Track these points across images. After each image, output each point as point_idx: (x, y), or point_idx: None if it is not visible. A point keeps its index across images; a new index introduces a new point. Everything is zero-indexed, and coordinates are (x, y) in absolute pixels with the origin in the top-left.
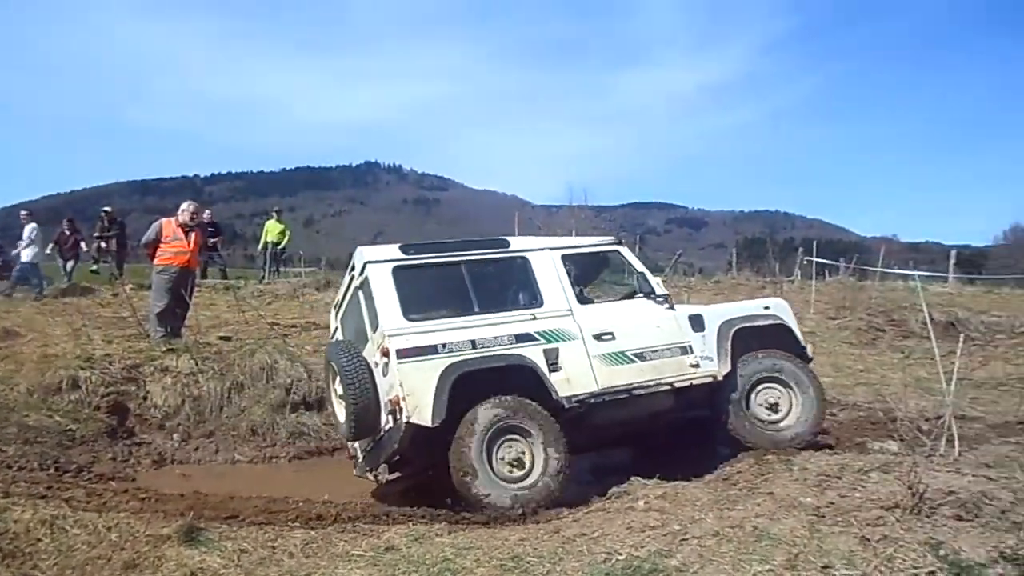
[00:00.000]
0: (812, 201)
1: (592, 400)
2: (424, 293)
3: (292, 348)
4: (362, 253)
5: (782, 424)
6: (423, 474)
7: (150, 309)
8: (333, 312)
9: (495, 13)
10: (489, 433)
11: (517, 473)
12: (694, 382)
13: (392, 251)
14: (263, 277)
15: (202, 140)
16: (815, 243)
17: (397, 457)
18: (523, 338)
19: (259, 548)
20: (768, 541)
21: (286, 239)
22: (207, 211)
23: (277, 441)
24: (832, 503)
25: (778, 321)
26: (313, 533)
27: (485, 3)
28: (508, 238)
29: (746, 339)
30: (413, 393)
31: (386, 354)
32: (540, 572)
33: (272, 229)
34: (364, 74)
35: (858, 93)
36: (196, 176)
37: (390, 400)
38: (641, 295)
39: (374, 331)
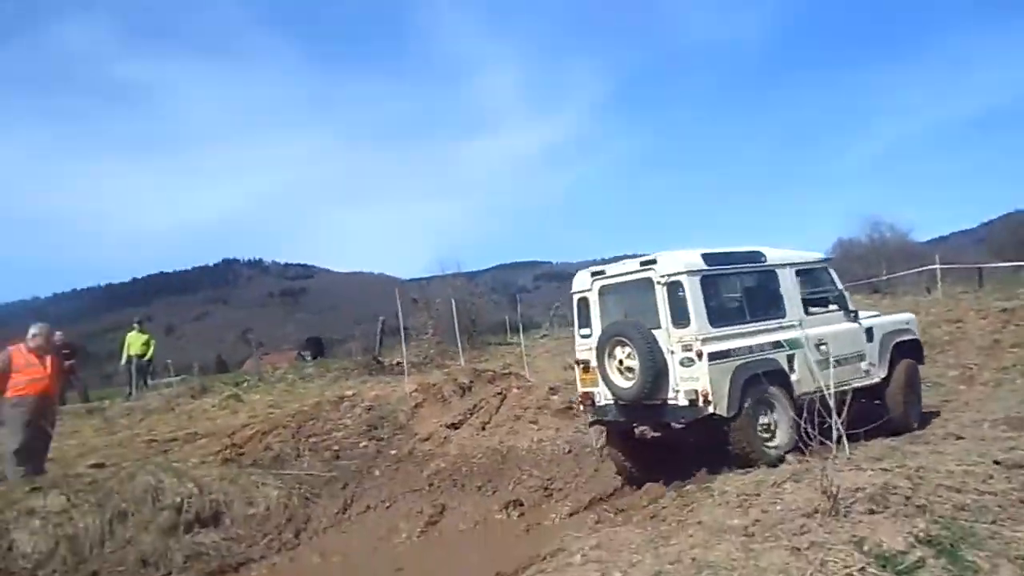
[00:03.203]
0: (658, 243)
1: (809, 397)
2: (717, 301)
3: (176, 463)
4: (676, 259)
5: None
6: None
7: (5, 449)
8: (594, 290)
9: (334, 99)
10: (751, 404)
11: (766, 435)
12: (865, 384)
13: (698, 260)
14: (130, 393)
15: (35, 261)
16: None
17: (679, 426)
18: (776, 345)
19: None
20: (708, 570)
21: (151, 350)
22: (57, 332)
23: (172, 568)
24: (758, 520)
25: (914, 335)
26: None
27: (323, 90)
28: (763, 250)
29: (897, 348)
30: (717, 390)
31: (695, 352)
32: None
33: (135, 341)
34: (207, 172)
35: (678, 142)
36: (36, 298)
37: (695, 390)
38: (838, 308)
39: (677, 327)
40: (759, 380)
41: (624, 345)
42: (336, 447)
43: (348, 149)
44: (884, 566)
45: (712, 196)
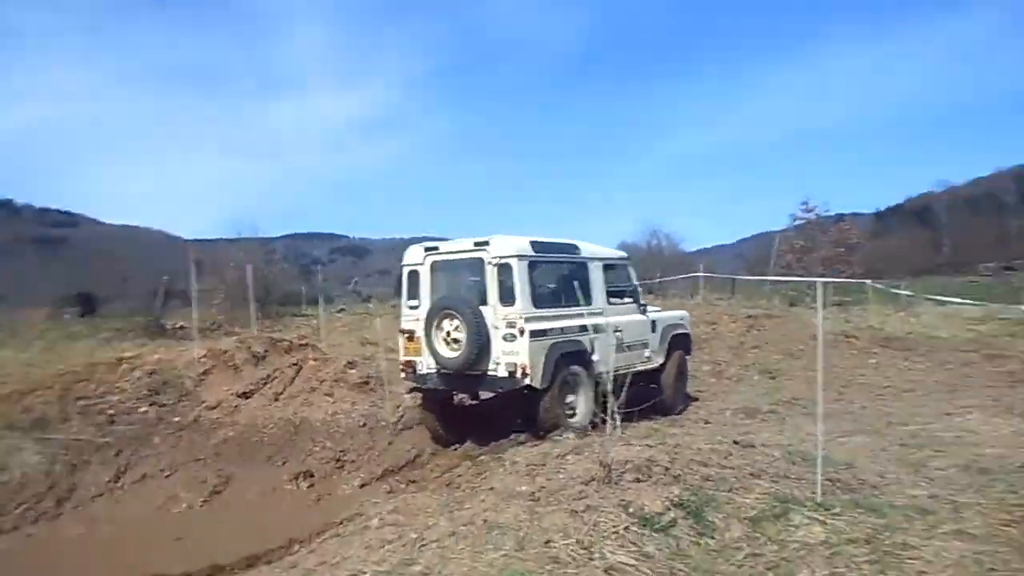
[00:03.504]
0: (459, 227)
1: (605, 375)
2: (539, 285)
3: None
4: (508, 243)
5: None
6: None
7: None
8: (426, 264)
9: (112, 31)
10: (560, 380)
11: (570, 410)
12: (647, 368)
13: (527, 246)
14: None
15: None
16: None
17: (494, 395)
18: (583, 329)
19: None
20: (498, 530)
21: None
22: None
23: None
24: (543, 487)
25: (686, 330)
26: None
27: (99, 18)
28: (578, 243)
29: (673, 340)
30: (534, 365)
31: (518, 329)
32: None
33: None
34: None
35: (491, 128)
36: None
37: (514, 363)
38: (632, 301)
39: (504, 305)
40: (568, 359)
41: (453, 318)
42: (111, 411)
43: (127, 90)
44: (644, 525)
45: (515, 185)
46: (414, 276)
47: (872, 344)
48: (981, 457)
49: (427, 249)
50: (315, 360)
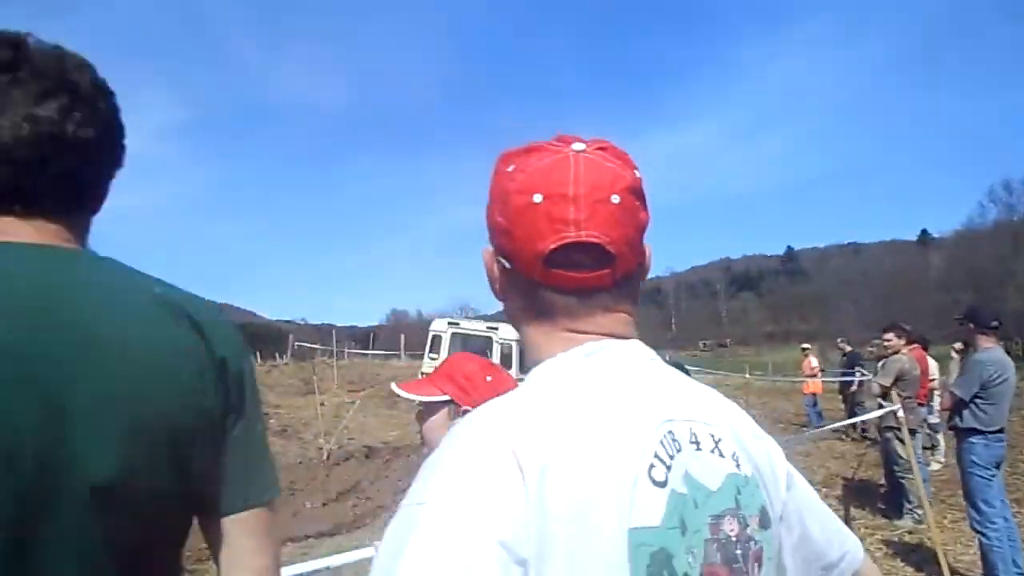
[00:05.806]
0: (222, 287)
1: None
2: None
3: None
4: (511, 330)
5: None
6: None
7: None
8: (447, 332)
9: None
10: None
11: None
12: None
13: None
14: None
15: None
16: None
17: None
18: None
19: None
20: None
21: None
22: None
23: None
24: None
25: None
26: None
27: None
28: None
29: None
30: None
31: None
32: None
33: None
34: None
35: (258, 187)
36: None
37: None
38: None
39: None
40: None
41: None
42: None
43: None
44: None
45: (285, 250)
46: (437, 339)
47: None
48: None
49: (450, 323)
50: None
